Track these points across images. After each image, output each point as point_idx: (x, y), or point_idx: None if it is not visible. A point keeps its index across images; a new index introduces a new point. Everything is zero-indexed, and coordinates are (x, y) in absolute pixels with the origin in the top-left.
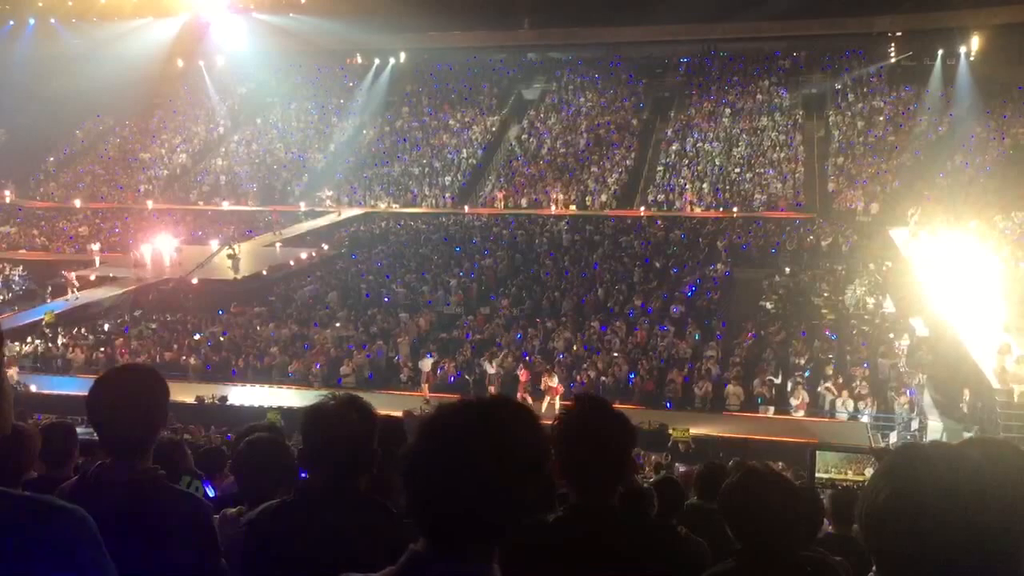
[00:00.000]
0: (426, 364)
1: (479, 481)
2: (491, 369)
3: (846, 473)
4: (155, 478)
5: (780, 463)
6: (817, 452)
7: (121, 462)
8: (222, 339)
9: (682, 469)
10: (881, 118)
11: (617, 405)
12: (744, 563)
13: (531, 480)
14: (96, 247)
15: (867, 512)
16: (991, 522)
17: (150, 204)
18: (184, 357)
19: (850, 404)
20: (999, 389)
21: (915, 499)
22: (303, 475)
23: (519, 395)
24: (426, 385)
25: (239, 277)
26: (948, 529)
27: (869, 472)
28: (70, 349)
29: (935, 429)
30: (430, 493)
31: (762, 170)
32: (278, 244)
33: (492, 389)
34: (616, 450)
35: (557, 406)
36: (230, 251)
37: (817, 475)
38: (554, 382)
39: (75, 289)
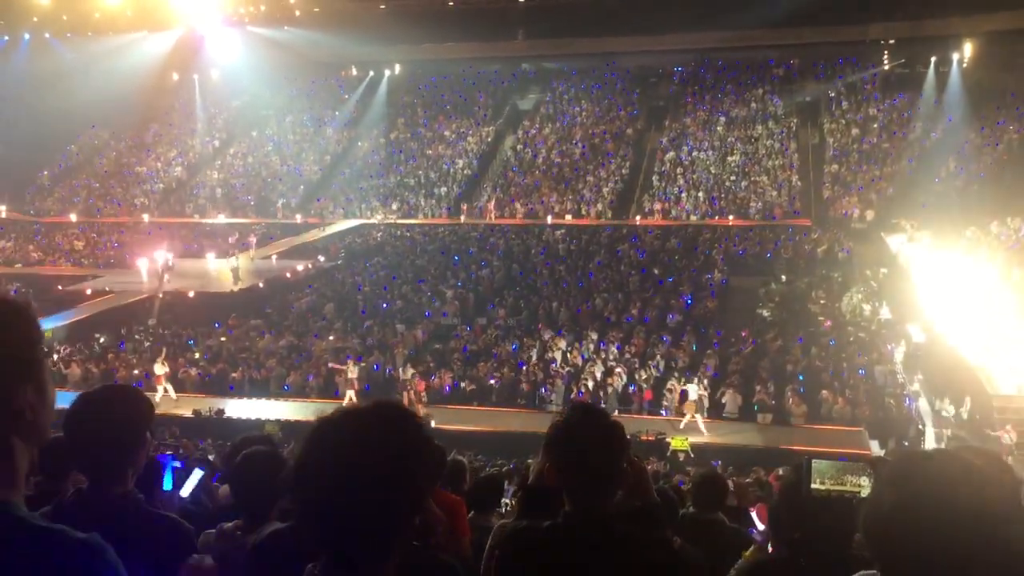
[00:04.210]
0: (352, 370)
1: (362, 490)
2: (405, 375)
3: (843, 484)
4: (133, 502)
5: (780, 471)
6: (813, 461)
7: (96, 486)
8: (223, 348)
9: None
10: (875, 125)
11: (616, 415)
12: (790, 555)
13: (409, 488)
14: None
15: (871, 522)
16: (994, 527)
17: (146, 218)
18: (182, 370)
19: (847, 411)
20: (995, 395)
21: (919, 507)
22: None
23: (417, 405)
24: (350, 391)
25: (235, 289)
26: (953, 535)
27: (863, 481)
28: (66, 364)
29: (932, 435)
30: (319, 506)
31: (757, 178)
32: (273, 256)
33: (407, 395)
34: (605, 458)
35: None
36: (169, 266)
37: (813, 486)
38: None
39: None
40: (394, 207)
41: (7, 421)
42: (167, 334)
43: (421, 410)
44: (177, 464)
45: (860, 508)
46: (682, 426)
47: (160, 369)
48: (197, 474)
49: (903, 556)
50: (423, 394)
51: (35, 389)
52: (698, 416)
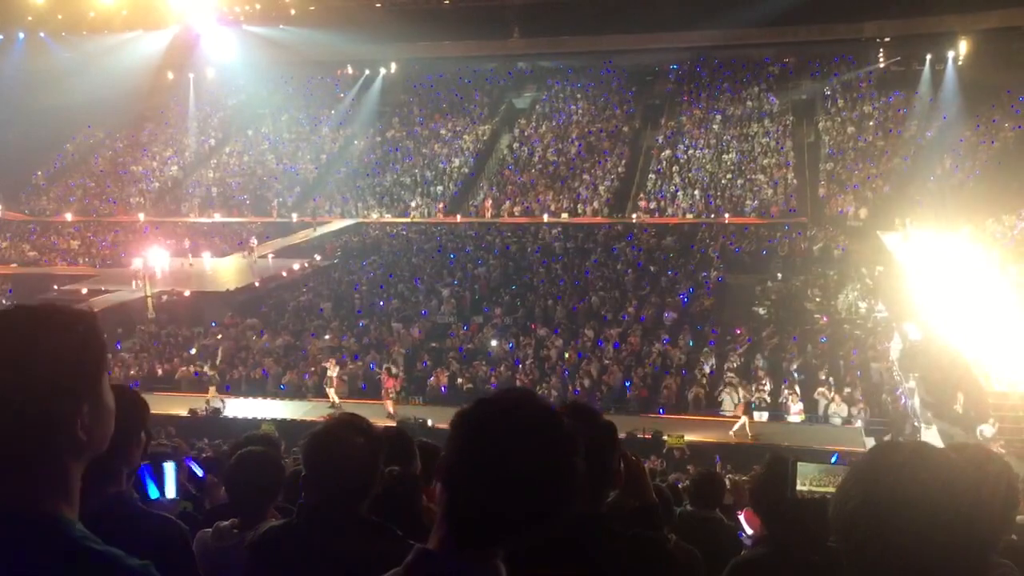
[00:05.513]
0: (333, 369)
1: (533, 486)
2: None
3: (827, 486)
4: (126, 503)
5: None
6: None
7: (90, 486)
8: (220, 348)
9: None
10: (871, 123)
11: (612, 413)
12: (776, 549)
13: (575, 476)
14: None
15: (838, 517)
16: (958, 525)
17: (142, 217)
18: (184, 368)
19: (844, 409)
20: (990, 392)
21: (885, 504)
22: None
23: (386, 400)
24: (332, 390)
25: (231, 289)
26: (918, 533)
27: None
28: None
29: (927, 432)
30: (478, 500)
31: (753, 176)
32: (270, 255)
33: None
34: (596, 458)
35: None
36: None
37: (799, 488)
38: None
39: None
40: (413, 204)
41: (60, 442)
42: (163, 333)
43: (390, 406)
44: (170, 464)
45: (829, 503)
46: (734, 430)
47: (211, 371)
48: (170, 469)
49: (868, 552)
50: (391, 390)
51: (91, 407)
52: (744, 418)
